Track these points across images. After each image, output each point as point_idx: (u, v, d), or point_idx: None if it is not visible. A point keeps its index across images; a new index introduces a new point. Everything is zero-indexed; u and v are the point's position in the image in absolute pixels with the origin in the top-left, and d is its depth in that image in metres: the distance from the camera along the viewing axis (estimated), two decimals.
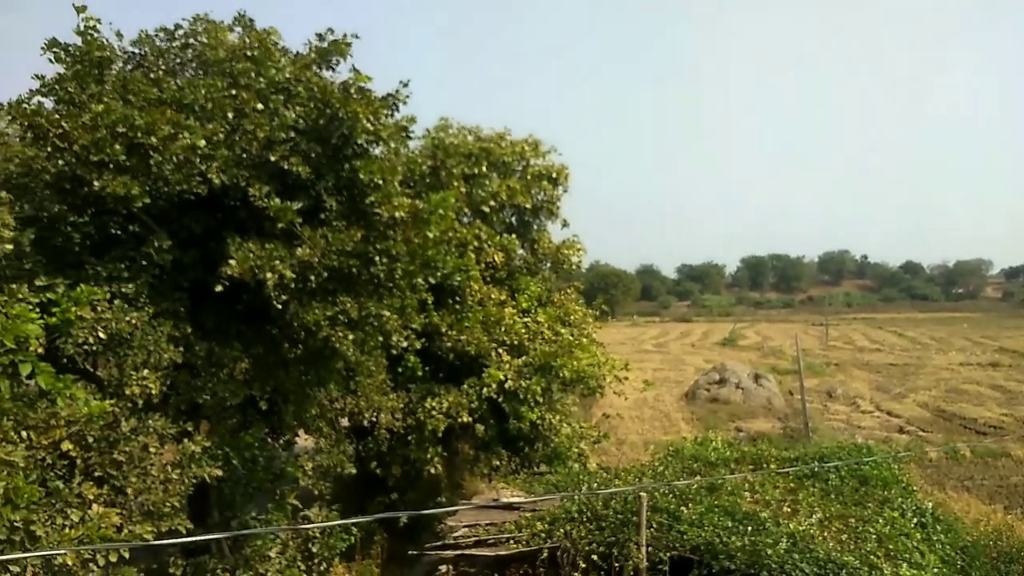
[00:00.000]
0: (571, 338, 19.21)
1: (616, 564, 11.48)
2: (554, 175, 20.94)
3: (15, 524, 8.55)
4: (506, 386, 17.42)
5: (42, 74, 12.10)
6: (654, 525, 11.79)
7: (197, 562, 12.39)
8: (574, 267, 22.31)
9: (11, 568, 8.52)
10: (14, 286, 10.21)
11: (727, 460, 15.23)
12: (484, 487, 20.11)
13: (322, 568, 13.93)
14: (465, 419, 17.11)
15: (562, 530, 12.28)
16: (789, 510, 12.49)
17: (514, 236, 20.33)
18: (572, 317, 20.92)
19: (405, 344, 14.18)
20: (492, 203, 18.84)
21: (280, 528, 12.66)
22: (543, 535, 12.39)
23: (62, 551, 8.53)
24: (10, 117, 11.45)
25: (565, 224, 21.69)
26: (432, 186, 15.45)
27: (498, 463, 18.55)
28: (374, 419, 17.13)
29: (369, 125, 11.84)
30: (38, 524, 8.79)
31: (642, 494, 11.64)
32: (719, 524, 11.51)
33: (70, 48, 12.20)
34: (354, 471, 15.83)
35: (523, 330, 18.62)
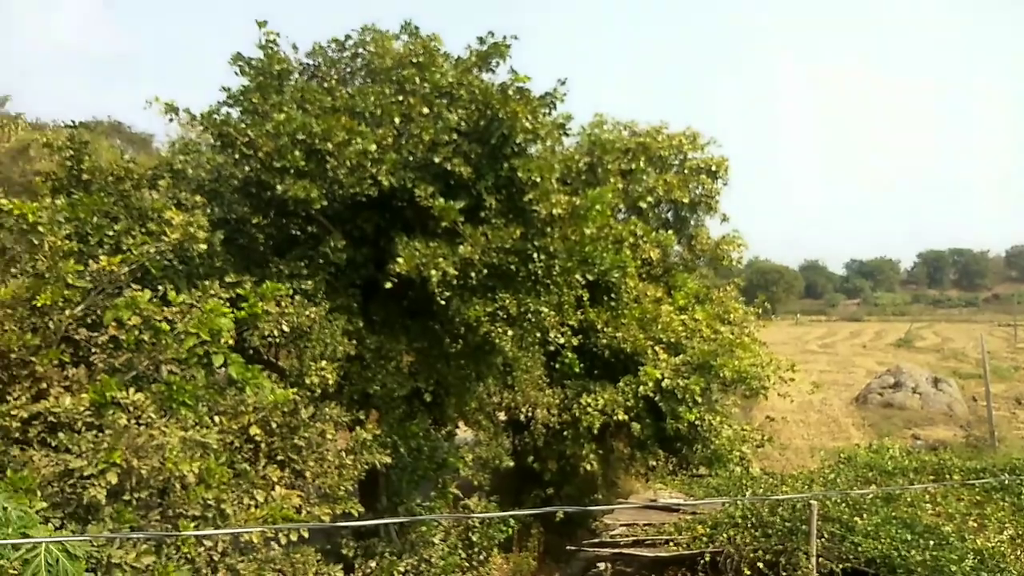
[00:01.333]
0: (731, 337, 18.58)
1: (784, 573, 10.99)
2: (713, 168, 20.33)
3: (208, 502, 9.36)
4: (663, 385, 17.11)
5: (228, 86, 13.22)
6: (825, 535, 11.19)
7: (367, 544, 13.06)
8: (734, 263, 21.57)
9: (205, 543, 9.34)
10: (207, 283, 11.20)
11: (905, 469, 14.19)
12: (640, 487, 19.88)
13: (481, 557, 14.30)
14: (621, 417, 16.97)
15: (725, 535, 11.91)
16: (975, 525, 11.46)
17: (671, 232, 19.95)
18: (732, 315, 20.24)
19: (562, 340, 14.27)
20: (649, 199, 18.56)
21: (443, 516, 13.11)
22: (704, 539, 12.07)
23: (249, 529, 9.23)
24: (203, 127, 12.56)
25: (725, 219, 21.03)
26: (589, 183, 15.41)
27: (655, 463, 18.27)
28: (530, 414, 17.36)
29: (528, 124, 11.98)
30: (228, 503, 9.57)
31: (812, 502, 11.07)
32: (897, 537, 10.74)
33: (253, 61, 13.21)
34: (511, 464, 16.13)
35: (680, 328, 18.21)
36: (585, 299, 16.40)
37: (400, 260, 11.66)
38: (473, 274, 12.02)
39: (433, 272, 11.52)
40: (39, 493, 8.40)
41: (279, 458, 10.76)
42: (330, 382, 11.94)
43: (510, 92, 12.72)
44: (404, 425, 13.57)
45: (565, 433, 17.35)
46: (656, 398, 17.16)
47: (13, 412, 8.76)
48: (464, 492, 14.78)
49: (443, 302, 12.02)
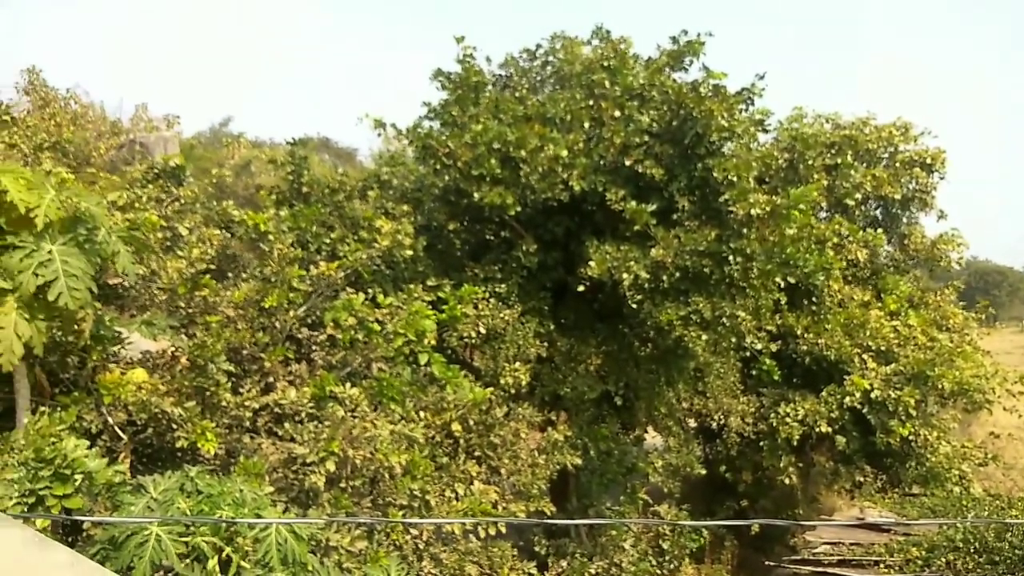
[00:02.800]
0: (950, 345, 16.94)
1: None
2: (928, 161, 18.64)
3: (414, 492, 9.91)
4: (872, 396, 15.90)
5: (428, 100, 13.96)
6: None
7: (558, 544, 13.23)
8: (952, 264, 19.65)
9: (411, 531, 9.88)
10: (411, 286, 11.87)
11: None
12: (843, 504, 18.64)
13: (672, 566, 14.03)
14: (823, 429, 15.97)
15: (943, 559, 10.88)
16: None
17: (879, 231, 18.51)
18: (950, 321, 18.43)
19: (759, 346, 13.70)
20: (856, 195, 17.35)
21: (634, 520, 13.00)
22: (919, 562, 11.10)
23: (452, 520, 9.65)
24: (408, 140, 13.34)
25: (942, 216, 19.20)
26: (789, 180, 14.69)
27: (861, 479, 17.04)
28: (723, 422, 16.78)
29: (723, 122, 11.65)
30: (431, 494, 10.07)
31: None
32: None
33: (452, 76, 13.84)
34: (703, 473, 15.69)
35: (891, 334, 16.85)
36: (783, 303, 15.61)
37: (591, 263, 11.72)
38: (665, 277, 11.84)
39: (625, 275, 11.48)
40: (267, 478, 9.29)
41: (476, 454, 11.17)
42: (523, 383, 12.25)
43: (703, 90, 12.42)
44: (594, 427, 13.62)
45: (761, 443, 16.60)
46: (864, 410, 15.98)
47: (246, 403, 9.72)
48: (654, 498, 14.56)
49: (634, 305, 11.95)
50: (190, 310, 10.49)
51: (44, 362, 8.46)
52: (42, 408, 7.75)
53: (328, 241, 12.65)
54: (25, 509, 6.29)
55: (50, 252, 7.22)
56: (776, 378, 16.40)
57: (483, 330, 11.75)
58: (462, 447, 11.06)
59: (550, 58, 15.12)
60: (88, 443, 7.02)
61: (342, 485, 9.36)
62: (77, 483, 6.41)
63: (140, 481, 7.37)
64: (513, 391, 12.09)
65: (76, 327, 7.80)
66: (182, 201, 11.93)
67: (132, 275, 8.16)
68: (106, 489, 6.92)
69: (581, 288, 12.04)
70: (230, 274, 12.89)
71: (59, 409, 7.99)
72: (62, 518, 6.56)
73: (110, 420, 8.60)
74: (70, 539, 7.38)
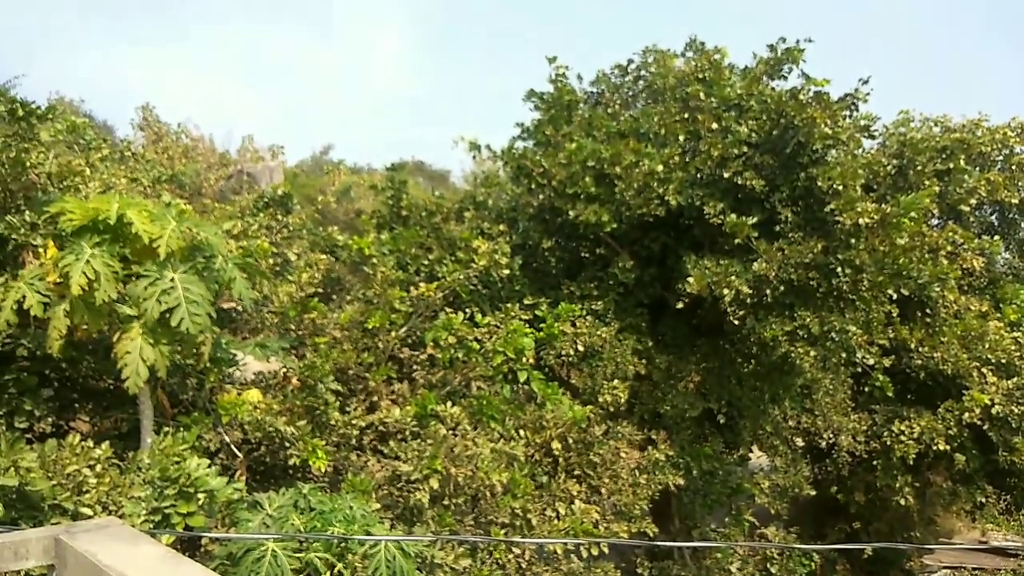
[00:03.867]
0: None
1: None
2: None
3: (515, 511, 9.93)
4: (993, 411, 14.95)
5: (521, 121, 14.10)
6: None
7: (662, 566, 12.97)
8: None
9: (513, 550, 9.90)
10: (508, 305, 11.97)
11: None
12: (963, 526, 17.58)
13: None
14: (941, 447, 15.10)
15: None
16: None
17: (996, 237, 17.46)
18: None
19: (871, 361, 13.13)
20: (971, 201, 16.43)
21: (740, 543, 12.63)
22: None
23: (555, 540, 9.62)
24: (503, 161, 13.51)
25: None
26: (898, 187, 14.07)
27: (983, 500, 16.04)
28: (832, 440, 16.10)
29: (827, 129, 11.27)
30: (532, 513, 10.08)
31: None
32: None
33: (544, 96, 13.94)
34: (812, 494, 15.11)
35: (1012, 346, 15.80)
36: (895, 315, 14.90)
37: (690, 279, 11.51)
38: (769, 291, 11.51)
39: (726, 291, 11.22)
40: (374, 495, 9.50)
41: (576, 473, 11.11)
42: (621, 401, 12.13)
43: (803, 98, 12.07)
44: (696, 446, 13.33)
45: (874, 463, 15.85)
46: (984, 426, 15.05)
47: (353, 422, 9.99)
48: (760, 520, 14.10)
49: (736, 321, 11.65)
50: (299, 332, 10.90)
51: (166, 384, 8.94)
52: (166, 428, 8.18)
53: (427, 262, 12.92)
54: (152, 526, 6.65)
55: (172, 280, 7.63)
56: (889, 394, 15.62)
57: (580, 348, 11.71)
58: (561, 466, 11.03)
59: (642, 72, 15.01)
60: (208, 462, 7.36)
61: (445, 503, 9.48)
62: (200, 501, 6.73)
63: (256, 498, 7.68)
64: (612, 409, 11.99)
65: (196, 350, 8.21)
66: (290, 228, 12.44)
67: (247, 300, 8.54)
68: (225, 506, 7.25)
69: (680, 304, 11.83)
70: (334, 296, 13.34)
71: (181, 429, 8.42)
72: (188, 534, 6.89)
73: (227, 439, 9.01)
74: (190, 555, 7.75)
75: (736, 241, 11.45)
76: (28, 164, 8.47)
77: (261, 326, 11.79)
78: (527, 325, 11.62)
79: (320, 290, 11.98)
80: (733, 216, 11.42)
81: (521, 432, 10.61)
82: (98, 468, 7.29)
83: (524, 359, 10.85)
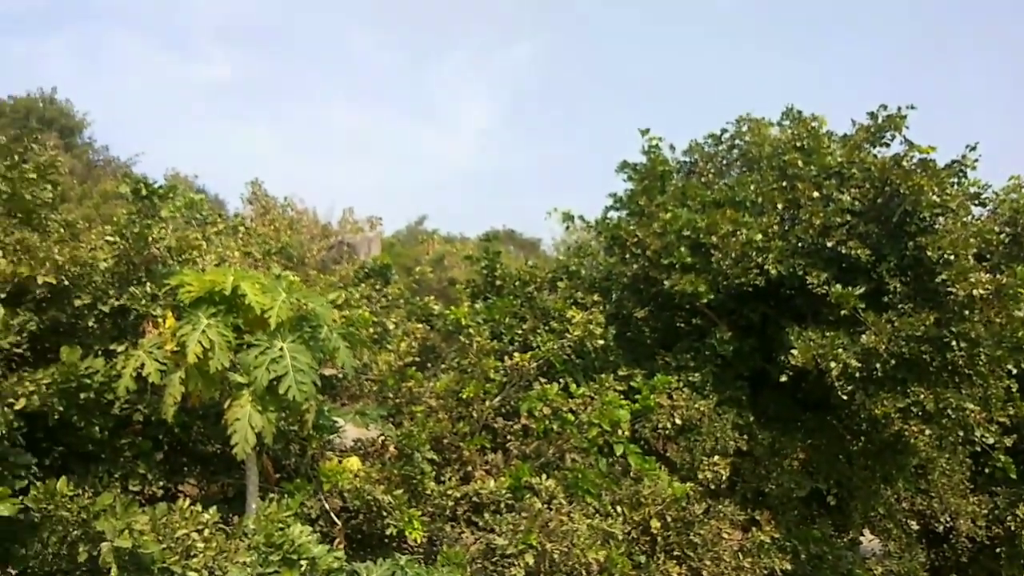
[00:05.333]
0: None
1: None
2: None
3: None
4: None
5: (614, 191, 14.20)
6: None
7: None
8: None
9: None
10: (603, 376, 11.83)
11: None
12: None
13: None
14: None
15: None
16: None
17: None
18: None
19: (990, 440, 12.25)
20: None
21: None
22: None
23: None
24: (596, 231, 13.57)
25: None
26: (1012, 257, 13.33)
27: None
28: (950, 524, 15.00)
29: (935, 197, 10.88)
30: None
31: None
32: None
33: (637, 166, 14.02)
34: None
35: None
36: (1015, 391, 13.95)
37: (795, 352, 11.13)
38: (879, 365, 11.00)
39: (832, 364, 10.79)
40: (468, 568, 9.38)
41: (675, 553, 10.68)
42: (723, 478, 11.69)
43: (907, 165, 11.73)
44: (803, 528, 12.64)
45: (998, 550, 14.68)
46: None
47: (448, 492, 9.96)
48: None
49: (844, 396, 11.15)
50: (397, 400, 11.05)
51: (271, 450, 9.17)
52: (271, 495, 8.36)
53: (520, 332, 12.97)
54: None
55: (281, 349, 7.89)
56: (1012, 476, 14.52)
57: (678, 421, 11.41)
58: (660, 545, 10.63)
59: (736, 141, 14.95)
60: (310, 529, 7.46)
61: None
62: (302, 568, 6.80)
63: (355, 567, 7.71)
64: (712, 487, 11.56)
65: (300, 418, 8.42)
66: (389, 298, 12.76)
67: (350, 369, 8.74)
68: (325, 574, 7.28)
69: (783, 378, 11.42)
70: (429, 365, 13.50)
71: (285, 496, 8.58)
72: None
73: (327, 506, 9.12)
74: None
75: (842, 312, 11.05)
76: (150, 239, 9.01)
77: (360, 393, 12.02)
78: (622, 396, 11.44)
79: (417, 358, 12.17)
80: (838, 286, 11.06)
81: (618, 508, 10.33)
82: (206, 532, 7.47)
83: (620, 431, 10.65)
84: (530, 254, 34.47)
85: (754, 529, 11.57)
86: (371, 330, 11.31)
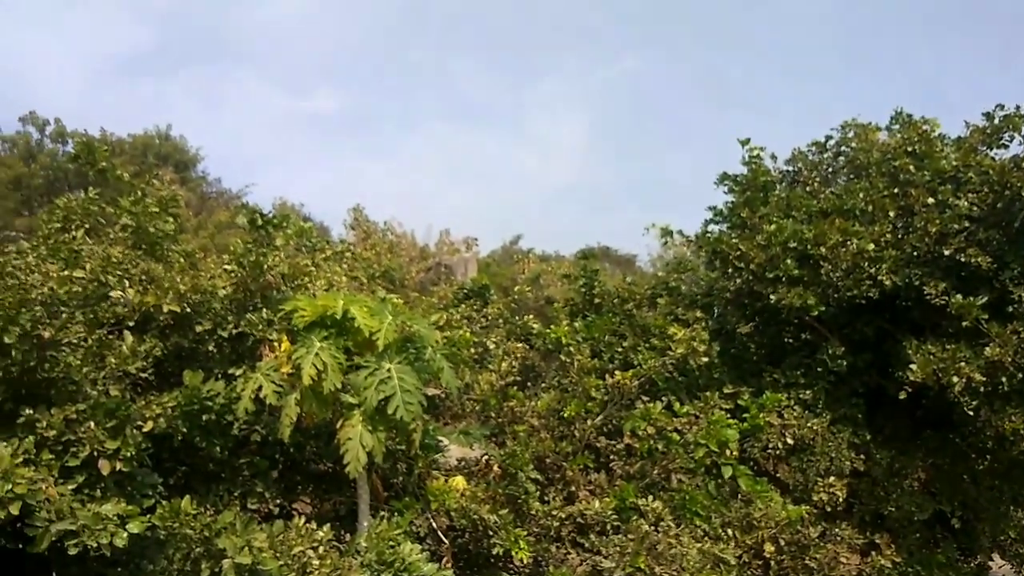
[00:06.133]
0: None
1: None
2: None
3: None
4: None
5: (713, 204, 13.88)
6: None
7: None
8: None
9: None
10: (708, 394, 11.56)
11: None
12: None
13: None
14: None
15: None
16: None
17: None
18: None
19: None
20: None
21: None
22: None
23: None
24: (697, 246, 13.32)
25: None
26: None
27: None
28: None
29: None
30: None
31: None
32: None
33: (738, 178, 13.69)
34: None
35: None
36: None
37: (913, 366, 10.59)
38: (1004, 379, 10.35)
39: (954, 378, 10.21)
40: None
41: None
42: (839, 499, 11.22)
43: None
44: (926, 552, 11.98)
45: None
46: None
47: (553, 512, 9.92)
48: None
49: (969, 412, 10.52)
50: (499, 420, 11.11)
51: (379, 469, 9.36)
52: (381, 513, 8.53)
53: (620, 350, 12.83)
54: None
55: (389, 370, 8.08)
56: None
57: (790, 440, 11.01)
58: (774, 570, 10.28)
59: (842, 148, 14.41)
60: (420, 547, 7.57)
61: None
62: None
63: None
64: (828, 509, 11.10)
65: (408, 437, 8.57)
66: (488, 318, 12.89)
67: (453, 389, 8.85)
68: None
69: (902, 394, 10.87)
70: (529, 384, 13.53)
71: (395, 514, 8.74)
72: None
73: (434, 525, 9.23)
74: None
75: (963, 324, 10.44)
76: (265, 267, 9.42)
77: (462, 413, 12.15)
78: (729, 415, 11.15)
79: (517, 378, 12.22)
80: (958, 297, 10.47)
81: (728, 531, 10.04)
82: (320, 550, 7.67)
83: (728, 452, 10.36)
84: (626, 271, 34.08)
85: (873, 553, 11.06)
86: (472, 350, 11.44)
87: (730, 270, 12.47)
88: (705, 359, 11.43)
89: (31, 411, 7.16)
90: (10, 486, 6.28)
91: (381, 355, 8.15)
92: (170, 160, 39.01)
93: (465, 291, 13.54)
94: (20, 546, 6.78)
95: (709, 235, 13.04)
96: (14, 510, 6.27)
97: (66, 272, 8.19)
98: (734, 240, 12.28)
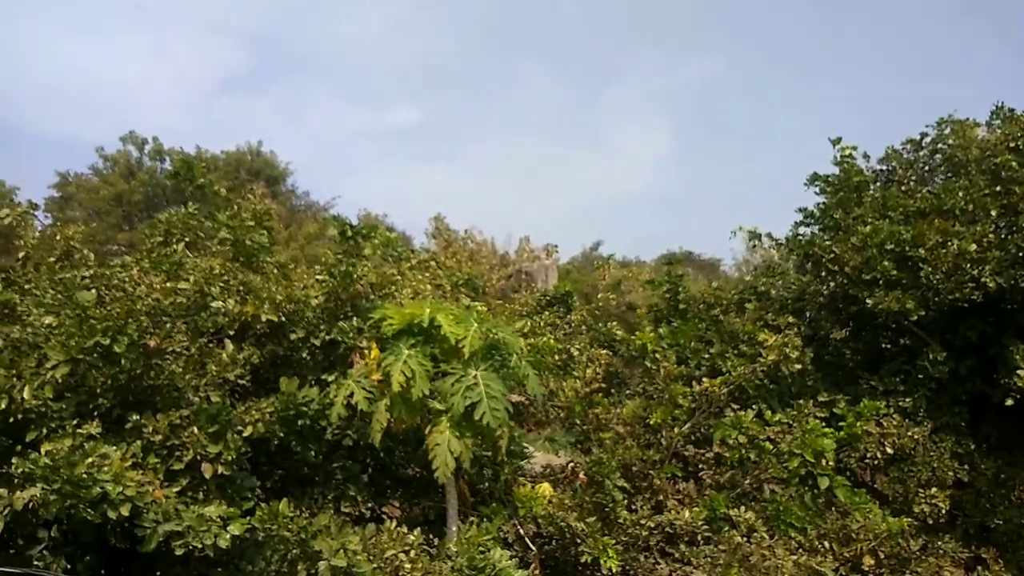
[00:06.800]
0: None
1: None
2: None
3: None
4: None
5: (804, 206, 13.46)
6: None
7: None
8: None
9: None
10: (801, 402, 11.20)
11: None
12: None
13: None
14: None
15: None
16: None
17: None
18: None
19: None
20: None
21: None
22: None
23: None
24: (787, 249, 12.96)
25: None
26: None
27: None
28: None
29: None
30: None
31: None
32: None
33: (829, 178, 13.25)
34: None
35: None
36: None
37: (1020, 372, 10.07)
38: None
39: None
40: None
41: None
42: (941, 511, 10.72)
43: None
44: None
45: None
46: None
47: (641, 521, 9.79)
48: None
49: None
50: (584, 427, 11.05)
51: (467, 475, 9.46)
52: (471, 518, 8.61)
53: (707, 356, 12.59)
54: None
55: (475, 377, 8.16)
56: None
57: (889, 450, 10.58)
58: None
59: (939, 145, 13.81)
60: (509, 553, 7.60)
61: None
62: None
63: None
64: (930, 521, 10.61)
65: (494, 443, 8.63)
66: (571, 325, 12.86)
67: (539, 396, 8.87)
68: None
69: (1009, 401, 10.31)
70: (613, 391, 13.42)
71: (483, 519, 8.80)
72: None
73: (522, 531, 9.25)
74: None
75: None
76: (355, 276, 9.67)
77: (546, 419, 12.15)
78: (823, 424, 10.77)
79: (602, 385, 12.13)
80: None
81: (825, 543, 9.70)
82: (412, 553, 7.81)
83: (824, 462, 10.01)
84: (710, 275, 33.46)
85: (979, 568, 10.54)
86: (556, 357, 11.43)
87: (823, 273, 12.10)
88: (798, 366, 11.07)
89: (138, 417, 7.54)
90: (121, 488, 6.60)
91: (467, 362, 8.24)
92: (261, 175, 40.47)
93: (547, 298, 13.56)
94: (129, 545, 7.11)
95: (800, 237, 12.67)
96: (124, 511, 6.59)
97: (169, 284, 8.58)
98: (827, 242, 11.91)
